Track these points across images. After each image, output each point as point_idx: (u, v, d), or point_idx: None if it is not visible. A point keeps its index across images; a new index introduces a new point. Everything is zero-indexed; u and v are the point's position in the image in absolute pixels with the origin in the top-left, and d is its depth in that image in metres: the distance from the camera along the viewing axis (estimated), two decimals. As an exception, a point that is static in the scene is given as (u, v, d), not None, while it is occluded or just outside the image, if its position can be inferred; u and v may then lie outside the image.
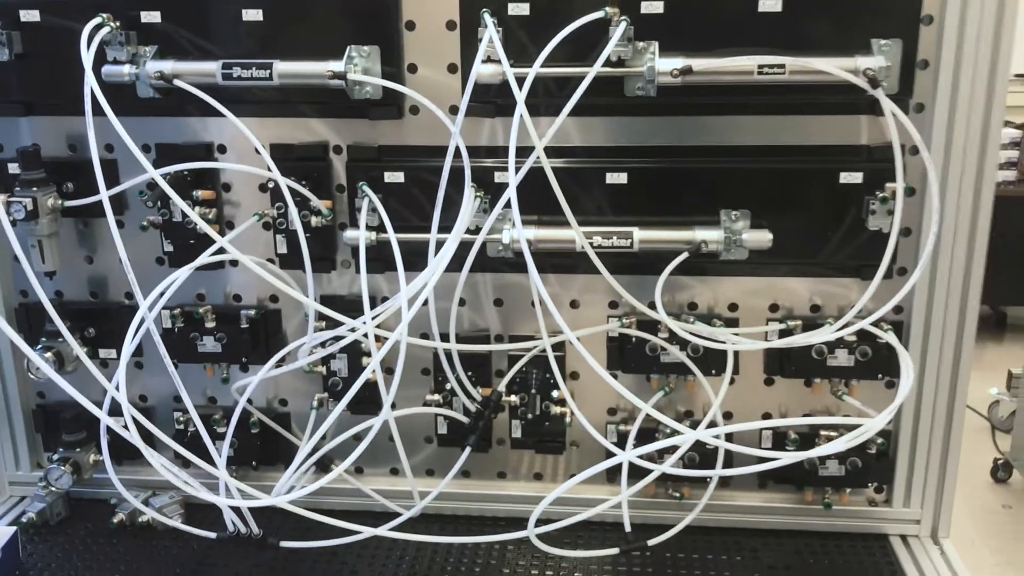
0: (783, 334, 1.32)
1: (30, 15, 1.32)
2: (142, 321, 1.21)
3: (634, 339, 1.36)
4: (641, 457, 1.26)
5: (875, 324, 1.28)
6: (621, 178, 1.31)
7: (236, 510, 1.29)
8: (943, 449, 1.36)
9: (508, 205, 1.20)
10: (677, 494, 1.42)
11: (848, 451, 1.35)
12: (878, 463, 1.37)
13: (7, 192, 1.34)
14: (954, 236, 1.27)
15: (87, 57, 1.20)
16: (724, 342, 1.28)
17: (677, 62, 1.20)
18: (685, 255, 1.27)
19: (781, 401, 1.40)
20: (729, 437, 1.29)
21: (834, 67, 1.16)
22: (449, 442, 1.44)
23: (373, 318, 1.22)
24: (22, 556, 1.37)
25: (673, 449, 1.31)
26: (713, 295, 1.37)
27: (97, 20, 1.25)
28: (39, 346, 1.40)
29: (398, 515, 1.33)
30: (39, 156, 1.37)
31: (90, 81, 1.19)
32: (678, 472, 1.27)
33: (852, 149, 1.28)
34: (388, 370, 1.40)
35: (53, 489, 1.47)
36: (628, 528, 1.30)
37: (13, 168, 1.37)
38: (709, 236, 1.27)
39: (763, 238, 1.26)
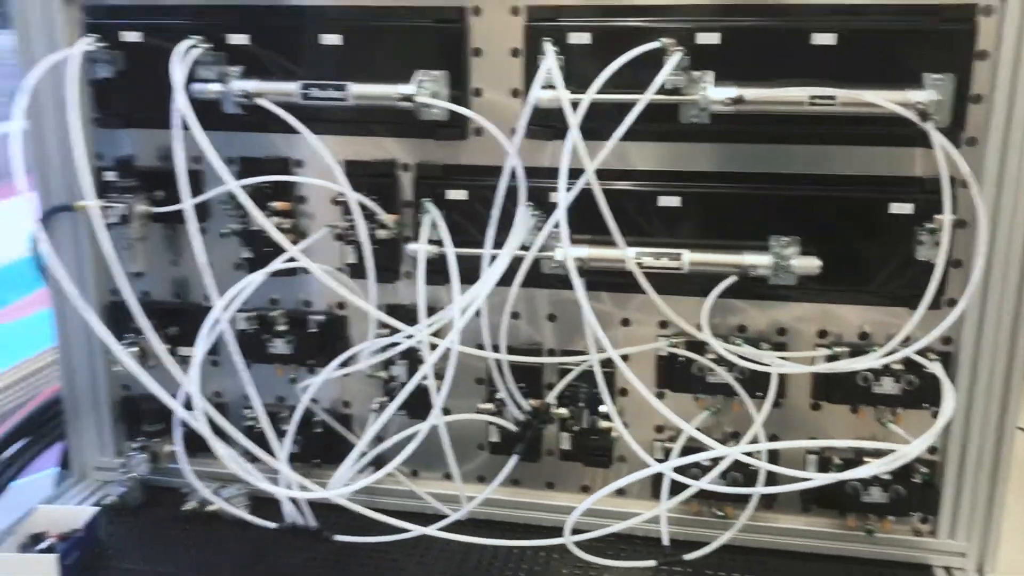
0: (830, 360, 1.35)
1: (131, 36, 1.44)
2: (215, 321, 1.30)
3: (682, 359, 1.39)
4: (683, 474, 1.30)
5: (922, 354, 1.29)
6: (674, 201, 1.35)
7: (295, 503, 1.37)
8: (991, 482, 1.36)
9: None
10: (720, 513, 1.45)
11: (892, 479, 1.36)
12: (922, 493, 1.37)
13: (104, 198, 1.46)
14: (1005, 269, 1.28)
15: (178, 75, 1.30)
16: (768, 365, 1.31)
17: (730, 91, 1.24)
18: (733, 278, 1.30)
19: (827, 427, 1.41)
20: (774, 461, 1.32)
21: (884, 100, 1.19)
22: (500, 450, 1.49)
23: (428, 326, 1.28)
24: (102, 535, 1.48)
25: (714, 466, 1.34)
26: (763, 319, 1.40)
27: (190, 42, 1.36)
28: (125, 341, 1.50)
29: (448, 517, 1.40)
30: (134, 166, 1.49)
31: (179, 98, 1.29)
32: (715, 488, 1.30)
33: (904, 180, 1.30)
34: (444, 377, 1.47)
35: (132, 476, 1.57)
36: (666, 542, 1.34)
37: (110, 176, 1.49)
38: (758, 261, 1.30)
39: (811, 264, 1.29)
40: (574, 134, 1.21)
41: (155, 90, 1.41)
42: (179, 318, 1.57)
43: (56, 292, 1.56)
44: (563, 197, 1.21)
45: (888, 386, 1.33)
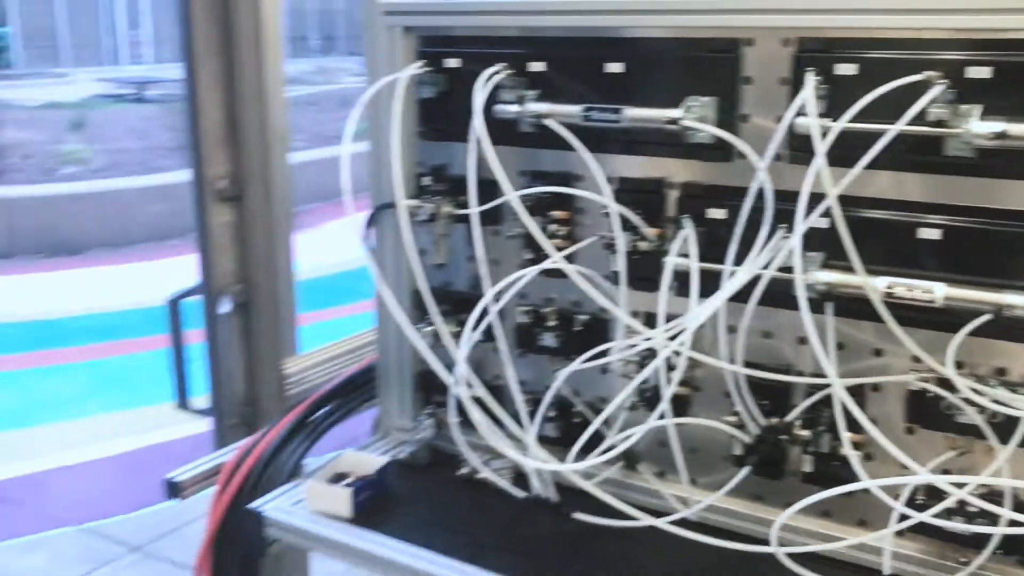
0: (1097, 414, 1.26)
1: (452, 62, 1.69)
2: (484, 311, 1.50)
3: (931, 395, 1.37)
4: (929, 513, 1.29)
5: None
6: (935, 234, 1.34)
7: (541, 478, 1.54)
8: None
9: (808, 248, 1.31)
10: (964, 560, 1.39)
11: None
12: None
13: (420, 199, 1.72)
14: None
15: (478, 98, 1.52)
16: (1019, 409, 1.26)
17: (994, 126, 1.22)
18: (987, 316, 1.27)
19: (1094, 486, 1.31)
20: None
21: None
22: (742, 463, 1.55)
23: (665, 332, 1.39)
24: (390, 484, 1.74)
25: (968, 512, 1.31)
26: (1030, 363, 1.34)
27: (494, 68, 1.57)
28: (424, 323, 1.75)
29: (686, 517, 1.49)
30: (447, 173, 1.74)
31: (476, 119, 1.51)
32: (932, 521, 1.27)
33: None
34: (695, 387, 1.56)
35: (421, 438, 1.82)
36: (886, 572, 1.33)
37: (427, 181, 1.75)
38: (1016, 300, 1.25)
39: (1078, 309, 1.22)
40: (819, 161, 1.25)
41: (467, 109, 1.65)
42: (471, 306, 1.79)
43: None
44: (800, 221, 1.26)
45: None
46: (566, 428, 1.69)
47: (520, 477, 1.69)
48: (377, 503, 1.67)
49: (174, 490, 1.81)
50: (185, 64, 2.07)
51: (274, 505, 1.67)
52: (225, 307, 2.14)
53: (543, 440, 1.62)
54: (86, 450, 5.75)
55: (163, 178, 11.55)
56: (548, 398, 1.60)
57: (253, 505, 1.67)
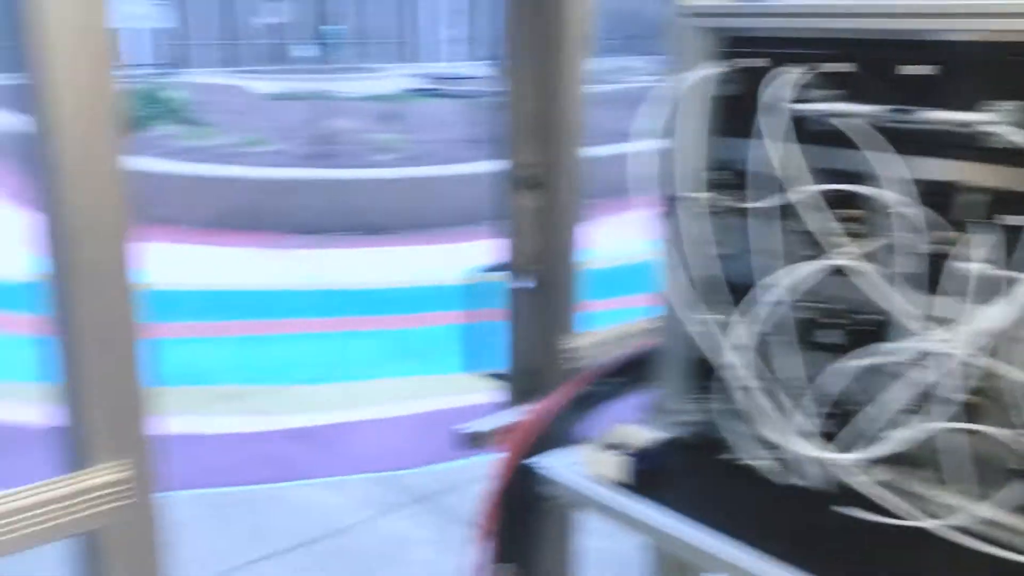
0: None
1: (748, 62, 1.76)
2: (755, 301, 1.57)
3: None
4: None
5: None
6: None
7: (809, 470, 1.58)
8: None
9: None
10: None
11: None
12: None
13: (711, 192, 1.81)
14: None
15: (767, 96, 1.59)
16: None
17: None
18: None
19: None
20: None
21: None
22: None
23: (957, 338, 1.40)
24: (660, 458, 1.84)
25: None
26: None
27: (788, 69, 1.63)
28: (706, 313, 1.84)
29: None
30: (737, 168, 1.81)
31: (762, 117, 1.58)
32: None
33: None
34: (978, 395, 1.54)
35: (694, 420, 1.91)
36: None
37: (719, 175, 1.83)
38: None
39: None
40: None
41: (762, 107, 1.72)
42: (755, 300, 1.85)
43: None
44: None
45: None
46: (836, 425, 1.71)
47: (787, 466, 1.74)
48: (648, 475, 1.79)
49: (467, 441, 2.04)
50: (502, 62, 2.29)
51: (555, 466, 1.83)
52: (524, 284, 2.35)
53: (812, 434, 1.66)
54: (386, 407, 6.38)
55: (460, 168, 12.35)
56: (825, 394, 1.64)
57: (536, 463, 1.84)
